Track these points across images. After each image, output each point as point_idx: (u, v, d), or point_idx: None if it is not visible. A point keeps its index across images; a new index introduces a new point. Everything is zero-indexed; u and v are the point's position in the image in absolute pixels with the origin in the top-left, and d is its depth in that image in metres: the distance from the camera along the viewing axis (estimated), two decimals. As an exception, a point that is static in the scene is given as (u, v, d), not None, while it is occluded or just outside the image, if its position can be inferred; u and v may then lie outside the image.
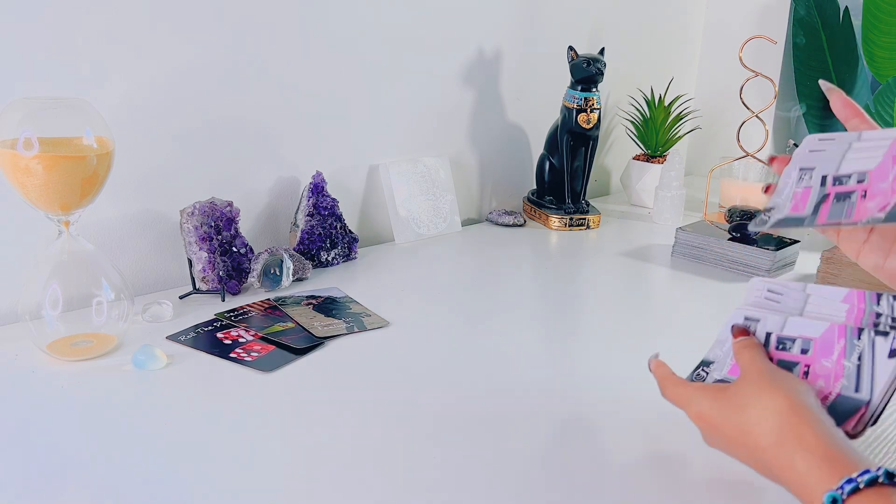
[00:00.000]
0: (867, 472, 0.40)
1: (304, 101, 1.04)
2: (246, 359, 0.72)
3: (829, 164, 0.55)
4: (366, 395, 0.66)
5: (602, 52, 1.23)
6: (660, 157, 1.44)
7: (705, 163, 1.79)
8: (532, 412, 0.64)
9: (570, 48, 1.22)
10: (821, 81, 0.62)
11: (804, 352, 0.52)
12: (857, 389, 0.49)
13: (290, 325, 0.80)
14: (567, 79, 1.23)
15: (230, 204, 0.89)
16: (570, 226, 1.25)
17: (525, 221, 1.30)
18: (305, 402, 0.65)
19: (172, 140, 0.91)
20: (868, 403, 0.49)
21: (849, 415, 0.49)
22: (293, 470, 0.54)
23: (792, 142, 1.57)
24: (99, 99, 0.78)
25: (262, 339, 0.76)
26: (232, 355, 0.72)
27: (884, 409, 0.49)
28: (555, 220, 1.25)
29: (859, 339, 0.50)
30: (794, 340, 0.53)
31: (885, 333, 0.50)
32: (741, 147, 1.27)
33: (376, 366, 0.72)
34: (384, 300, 0.89)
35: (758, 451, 0.46)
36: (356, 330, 0.79)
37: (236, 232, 0.90)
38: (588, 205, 1.30)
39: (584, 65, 1.19)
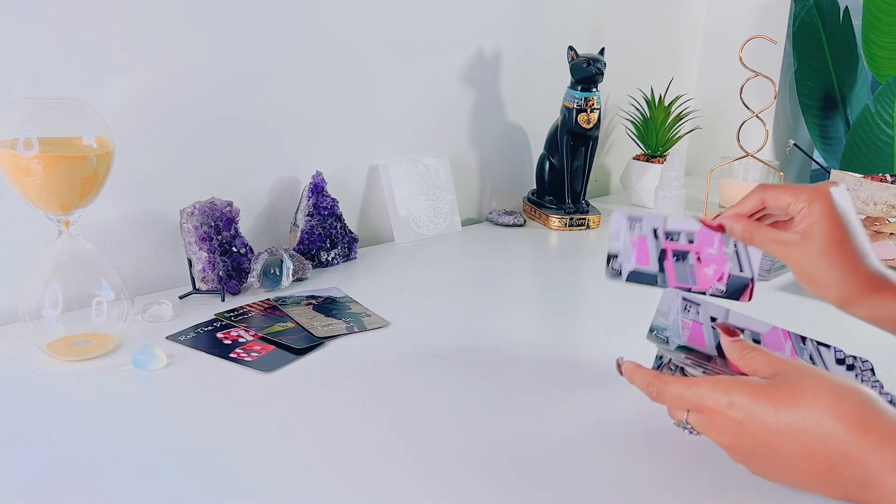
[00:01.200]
0: None
1: (304, 101, 1.04)
2: (246, 359, 0.72)
3: (654, 221, 0.61)
4: (366, 395, 0.66)
5: (602, 52, 1.23)
6: (660, 157, 1.44)
7: (705, 163, 1.79)
8: (532, 412, 0.64)
9: (570, 48, 1.22)
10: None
11: (690, 242, 0.60)
12: (741, 269, 0.59)
13: (290, 325, 0.80)
14: (567, 79, 1.23)
15: (230, 204, 0.89)
16: (570, 226, 1.25)
17: (525, 221, 1.30)
18: (305, 402, 0.65)
19: (172, 140, 0.91)
20: (752, 280, 0.59)
21: (742, 290, 0.60)
22: (293, 470, 0.54)
23: (792, 142, 1.57)
24: (99, 99, 0.78)
25: (262, 339, 0.76)
26: (232, 355, 0.72)
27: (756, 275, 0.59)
28: (555, 220, 1.25)
29: (804, 343, 0.55)
30: (679, 234, 0.60)
31: (827, 346, 0.54)
32: (741, 147, 1.27)
33: (376, 366, 0.72)
34: (384, 300, 0.89)
35: (832, 439, 0.41)
36: (356, 330, 0.79)
37: (236, 232, 0.90)
38: (588, 205, 1.30)
39: (585, 65, 1.19)
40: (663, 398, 0.49)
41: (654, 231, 0.61)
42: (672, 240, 0.61)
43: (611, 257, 0.63)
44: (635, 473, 0.55)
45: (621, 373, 0.53)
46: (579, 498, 0.52)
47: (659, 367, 0.61)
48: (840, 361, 0.53)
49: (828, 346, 0.54)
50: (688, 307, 0.59)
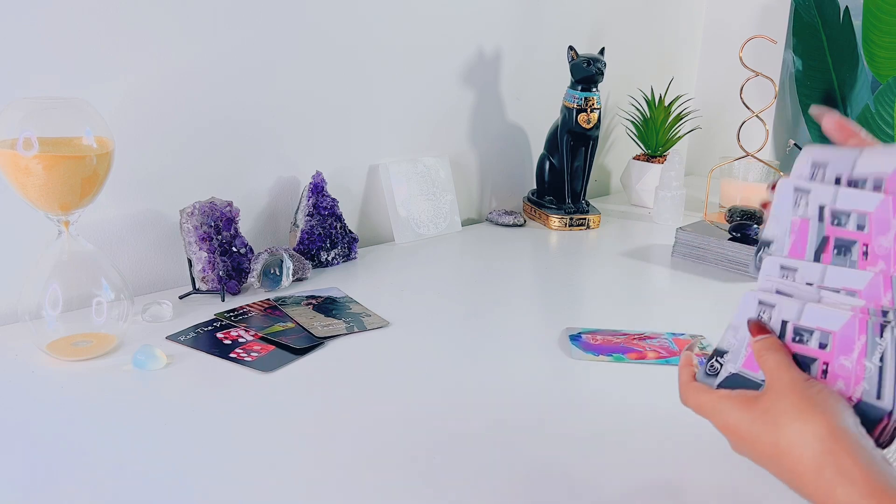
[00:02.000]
0: None
1: (304, 102, 1.04)
2: (246, 359, 0.72)
3: (823, 194, 0.49)
4: (366, 395, 0.66)
5: (602, 51, 1.23)
6: (660, 156, 1.44)
7: (705, 163, 1.79)
8: (532, 411, 0.64)
9: (571, 48, 1.22)
10: (812, 108, 0.58)
11: (822, 346, 0.47)
12: (878, 396, 0.45)
13: (290, 325, 0.80)
14: (567, 79, 1.23)
15: (230, 204, 0.89)
16: (570, 226, 1.25)
17: (525, 221, 1.30)
18: (305, 402, 0.64)
19: (172, 140, 0.91)
20: (890, 414, 0.44)
21: (871, 426, 0.45)
22: (293, 470, 0.54)
23: (792, 142, 1.57)
24: (99, 99, 0.78)
25: (262, 339, 0.76)
26: (232, 355, 0.72)
27: None
28: (555, 220, 1.25)
29: (882, 336, 0.45)
30: (811, 332, 0.48)
31: None
32: (741, 147, 1.27)
33: (376, 366, 0.72)
34: (384, 300, 0.89)
35: (794, 474, 0.43)
36: (356, 330, 0.79)
37: (236, 232, 0.90)
38: (588, 205, 1.30)
39: (585, 65, 1.19)
40: (687, 403, 0.51)
41: (783, 324, 0.49)
42: (799, 340, 0.49)
43: (715, 354, 0.52)
44: (636, 472, 0.55)
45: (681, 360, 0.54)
46: (581, 498, 0.52)
47: (711, 359, 0.53)
48: None
49: None
50: (762, 313, 0.50)
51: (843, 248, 0.47)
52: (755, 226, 1.07)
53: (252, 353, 0.73)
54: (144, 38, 0.86)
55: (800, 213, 0.49)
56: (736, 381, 0.50)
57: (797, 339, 0.48)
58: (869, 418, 0.44)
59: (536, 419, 0.63)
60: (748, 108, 1.25)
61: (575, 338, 0.79)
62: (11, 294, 0.76)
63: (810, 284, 0.48)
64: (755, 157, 1.28)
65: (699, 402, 0.50)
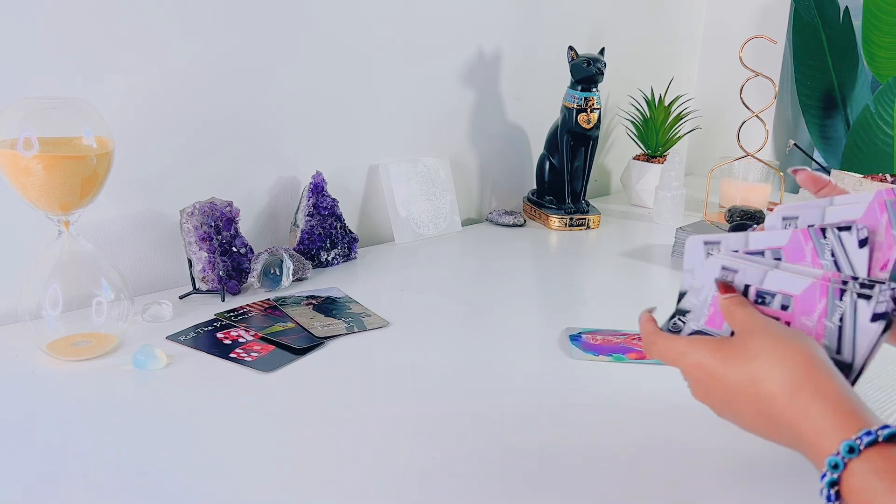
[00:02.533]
0: (887, 426, 0.39)
1: (304, 101, 1.04)
2: (246, 359, 0.72)
3: (813, 215, 0.52)
4: (366, 395, 0.66)
5: (602, 51, 1.23)
6: (660, 157, 1.44)
7: (705, 163, 1.79)
8: (532, 411, 0.64)
9: (571, 48, 1.22)
10: (790, 170, 0.60)
11: (784, 308, 0.50)
12: (838, 351, 0.48)
13: (290, 325, 0.80)
14: (567, 79, 1.23)
15: (230, 204, 0.89)
16: (570, 226, 1.25)
17: (525, 221, 1.30)
18: (305, 402, 0.64)
19: (172, 140, 0.91)
20: (850, 366, 0.48)
21: None
22: (293, 470, 0.54)
23: (792, 142, 1.57)
24: (99, 99, 0.78)
25: (262, 339, 0.76)
26: (232, 355, 0.72)
27: (862, 372, 0.48)
28: (555, 220, 1.25)
29: (841, 299, 0.49)
30: (773, 295, 0.50)
31: (868, 297, 0.48)
32: (741, 147, 1.27)
33: (376, 366, 0.72)
34: (384, 300, 0.89)
35: (768, 398, 0.44)
36: (356, 330, 0.79)
37: (236, 232, 0.90)
38: (588, 205, 1.30)
39: (585, 65, 1.19)
40: (651, 352, 0.53)
41: (745, 287, 0.52)
42: (762, 302, 0.51)
43: (677, 313, 0.55)
44: (636, 472, 0.55)
45: (640, 320, 0.56)
46: (581, 498, 0.52)
47: (672, 318, 0.56)
48: (877, 317, 0.47)
49: (868, 298, 0.47)
50: (726, 276, 0.52)
51: None
52: (755, 226, 1.07)
53: (252, 353, 0.73)
54: (144, 38, 0.86)
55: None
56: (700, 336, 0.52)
57: (759, 301, 0.51)
58: None
59: (536, 419, 0.63)
60: (748, 108, 1.25)
61: (575, 338, 0.79)
62: (11, 294, 0.76)
63: (736, 251, 0.52)
64: (755, 157, 1.28)
65: (665, 347, 0.51)
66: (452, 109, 1.25)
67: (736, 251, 0.53)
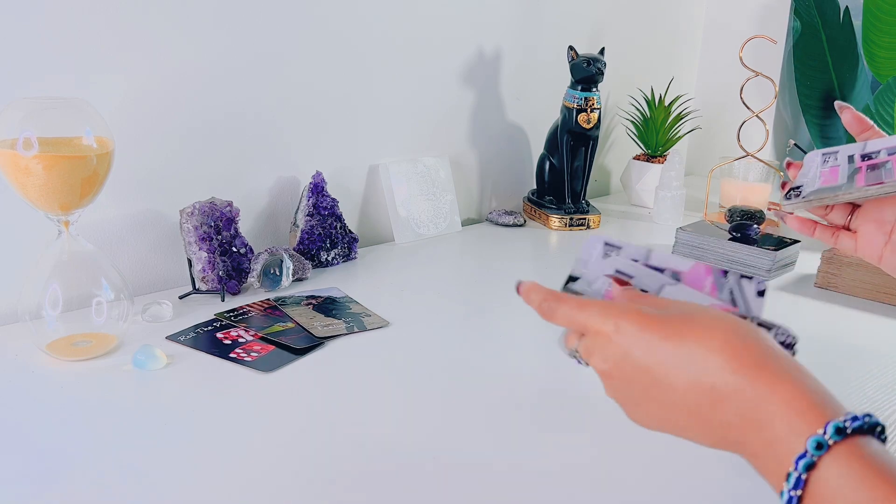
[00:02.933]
0: (855, 417, 0.34)
1: (304, 101, 1.04)
2: (246, 359, 0.72)
3: (852, 148, 0.56)
4: (366, 395, 0.66)
5: (602, 51, 1.23)
6: (660, 156, 1.44)
7: (705, 163, 1.79)
8: (532, 411, 0.64)
9: (571, 48, 1.22)
10: (836, 103, 0.63)
11: (676, 279, 0.49)
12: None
13: (290, 325, 0.80)
14: (567, 79, 1.23)
15: (230, 204, 0.89)
16: (570, 226, 1.25)
17: (525, 221, 1.30)
18: (305, 402, 0.64)
19: (172, 140, 0.91)
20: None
21: None
22: (293, 470, 0.54)
23: (792, 142, 1.56)
24: (99, 99, 0.78)
25: (262, 339, 0.76)
26: (232, 355, 0.72)
27: None
28: (555, 220, 1.25)
29: (725, 277, 0.48)
30: (662, 270, 0.49)
31: (749, 277, 0.48)
32: (741, 147, 1.27)
33: (376, 366, 0.72)
34: (384, 300, 0.89)
35: (722, 373, 0.37)
36: (356, 330, 0.79)
37: (236, 232, 0.90)
38: (588, 205, 1.30)
39: (585, 64, 1.19)
40: (554, 317, 0.46)
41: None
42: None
43: (571, 279, 0.54)
44: (636, 472, 0.55)
45: (519, 292, 0.49)
46: (581, 498, 0.52)
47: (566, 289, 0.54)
48: (761, 293, 0.47)
49: (749, 278, 0.47)
50: (608, 253, 0.52)
51: None
52: (755, 226, 1.07)
53: (252, 353, 0.73)
54: (144, 38, 0.86)
55: (829, 166, 0.58)
56: None
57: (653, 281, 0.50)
58: None
59: (536, 419, 0.63)
60: (748, 108, 1.25)
61: None
62: (11, 294, 0.76)
63: (636, 261, 0.51)
64: (755, 157, 1.28)
65: (575, 308, 0.44)
66: (452, 109, 1.25)
67: (636, 261, 0.50)
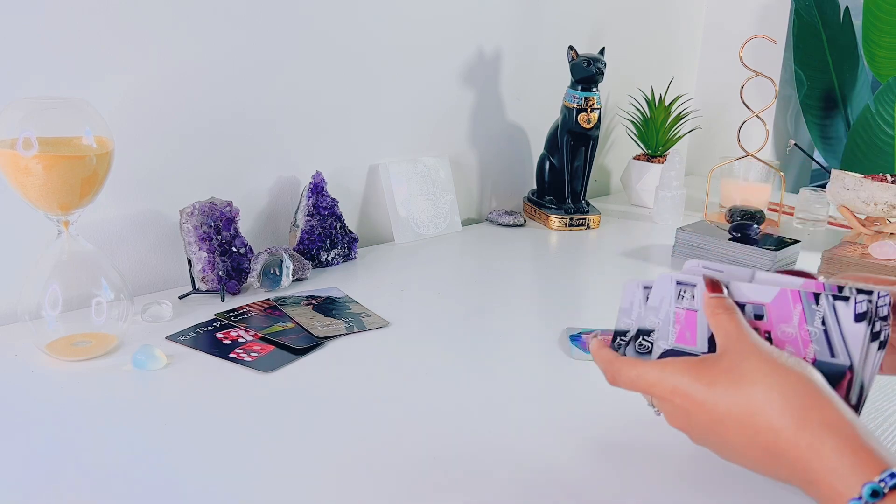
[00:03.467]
0: None
1: (304, 101, 1.04)
2: (246, 359, 0.72)
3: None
4: (366, 395, 0.66)
5: (602, 51, 1.23)
6: (660, 156, 1.44)
7: (706, 163, 1.79)
8: (532, 411, 0.64)
9: (571, 48, 1.22)
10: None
11: (759, 317, 0.46)
12: (832, 354, 0.44)
13: (290, 325, 0.80)
14: (567, 78, 1.23)
15: (230, 204, 0.89)
16: (570, 226, 1.25)
17: (525, 221, 1.30)
18: (305, 402, 0.64)
19: (172, 140, 0.91)
20: (851, 368, 0.44)
21: (834, 383, 0.43)
22: (293, 470, 0.54)
23: (793, 142, 1.57)
24: (99, 99, 0.78)
25: (262, 339, 0.76)
26: (232, 355, 0.72)
27: (870, 382, 0.44)
28: (555, 220, 1.25)
29: (817, 303, 0.45)
30: (743, 306, 0.46)
31: (846, 298, 0.44)
32: (741, 147, 1.27)
33: (376, 366, 0.72)
34: (384, 300, 0.89)
35: (769, 431, 0.39)
36: (356, 330, 0.79)
37: (236, 232, 0.90)
38: (588, 205, 1.30)
39: (585, 64, 1.19)
40: (618, 383, 0.48)
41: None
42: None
43: (640, 334, 0.51)
44: (637, 472, 0.55)
45: (589, 349, 0.52)
46: (581, 498, 0.52)
47: (618, 344, 0.53)
48: (860, 317, 0.43)
49: (846, 299, 0.44)
50: (682, 292, 0.49)
51: None
52: (755, 226, 1.07)
53: (252, 353, 0.73)
54: (144, 38, 0.86)
55: (685, 305, 0.49)
56: (673, 356, 0.48)
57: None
58: (830, 375, 0.43)
59: (536, 419, 0.63)
60: (748, 108, 1.25)
61: (575, 338, 0.79)
62: (11, 294, 0.76)
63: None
64: (755, 157, 1.28)
65: (636, 374, 0.46)
66: (452, 109, 1.25)
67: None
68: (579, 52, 1.23)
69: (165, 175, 0.91)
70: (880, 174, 1.17)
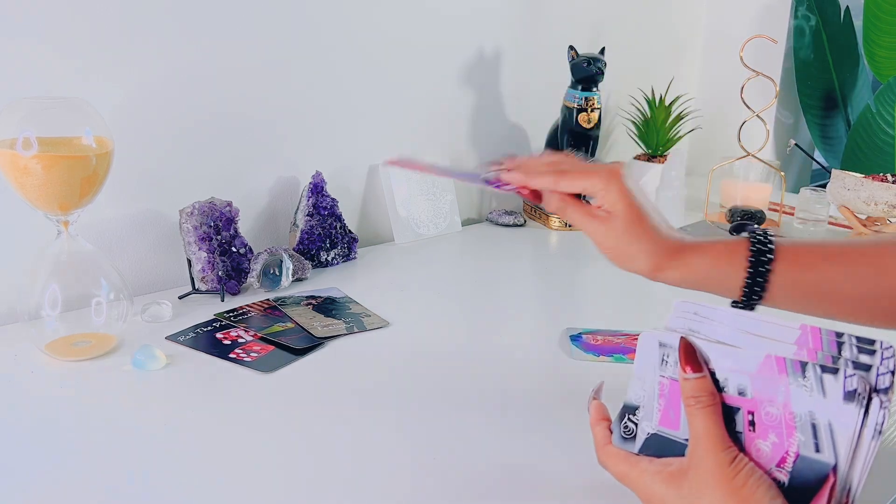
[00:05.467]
0: None
1: (304, 101, 1.04)
2: (245, 359, 0.72)
3: (698, 346, 0.43)
4: (366, 395, 0.66)
5: (602, 51, 1.22)
6: (660, 156, 1.44)
7: (706, 162, 1.78)
8: (532, 411, 0.64)
9: (571, 48, 1.21)
10: None
11: (741, 393, 0.41)
12: (817, 448, 0.39)
13: (290, 325, 0.80)
14: (567, 78, 1.23)
15: (230, 204, 0.89)
16: (570, 226, 1.25)
17: (525, 221, 1.30)
18: (305, 402, 0.64)
19: (172, 140, 0.91)
20: (835, 469, 0.38)
21: (817, 486, 0.38)
22: (293, 470, 0.54)
23: (793, 142, 1.56)
24: (99, 99, 0.78)
25: (262, 339, 0.76)
26: (231, 355, 0.72)
27: (860, 483, 0.38)
28: (555, 220, 1.25)
29: (804, 376, 0.39)
30: (726, 378, 0.42)
31: (835, 370, 0.38)
32: (742, 147, 1.27)
33: (376, 366, 0.72)
34: (384, 300, 0.89)
35: None
36: (356, 330, 0.79)
37: (236, 232, 0.90)
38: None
39: (585, 64, 1.19)
40: (606, 469, 0.49)
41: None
42: (720, 390, 0.42)
43: (626, 410, 0.47)
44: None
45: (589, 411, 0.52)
46: (580, 498, 0.52)
47: (623, 417, 0.49)
48: (850, 396, 0.38)
49: (835, 372, 0.38)
50: (666, 357, 0.44)
51: (727, 416, 0.42)
52: (756, 226, 1.07)
53: (252, 354, 0.73)
54: (145, 38, 0.86)
55: (669, 374, 0.44)
56: (657, 444, 0.45)
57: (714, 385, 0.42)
58: (812, 478, 0.39)
59: (536, 419, 0.63)
60: (748, 107, 1.25)
61: (575, 338, 0.79)
62: (11, 294, 0.76)
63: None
64: (756, 157, 1.27)
65: (620, 471, 0.47)
66: (452, 109, 1.24)
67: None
68: (579, 51, 1.23)
69: (165, 175, 0.91)
70: (881, 174, 1.17)
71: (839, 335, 0.40)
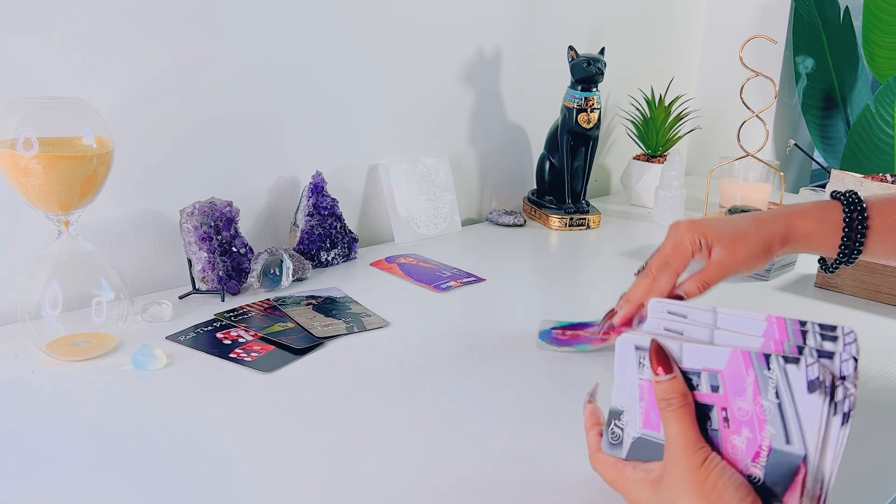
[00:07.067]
0: None
1: (304, 101, 1.04)
2: (246, 359, 0.72)
3: (670, 347, 0.43)
4: (366, 395, 0.66)
5: (602, 51, 1.23)
6: (660, 156, 1.44)
7: (706, 163, 1.79)
8: (532, 411, 0.64)
9: (571, 48, 1.21)
10: None
11: (714, 389, 0.41)
12: (787, 440, 0.39)
13: (290, 325, 0.80)
14: (567, 78, 1.23)
15: (230, 204, 0.89)
16: (570, 226, 1.25)
17: (525, 221, 1.30)
18: (305, 402, 0.64)
19: (172, 140, 0.91)
20: (805, 460, 0.38)
21: (789, 479, 0.39)
22: (293, 470, 0.54)
23: (793, 142, 1.57)
24: (99, 99, 0.78)
25: (262, 339, 0.76)
26: (232, 355, 0.72)
27: (832, 472, 0.38)
28: (555, 220, 1.25)
29: (769, 368, 0.40)
30: (699, 375, 0.42)
31: (796, 360, 0.39)
32: (741, 147, 1.27)
33: (376, 366, 0.72)
34: (384, 300, 0.89)
35: None
36: (356, 330, 0.79)
37: (236, 232, 0.90)
38: (588, 205, 1.30)
39: (585, 64, 1.19)
40: (598, 473, 0.49)
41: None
42: (690, 386, 0.43)
43: (612, 416, 0.47)
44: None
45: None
46: (582, 496, 0.52)
47: (610, 423, 0.49)
48: (812, 385, 0.38)
49: (796, 361, 0.39)
50: (642, 359, 0.44)
51: (702, 415, 0.42)
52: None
53: (252, 354, 0.73)
54: (145, 38, 0.86)
55: (646, 375, 0.44)
56: (643, 448, 0.46)
57: (689, 385, 0.43)
58: (786, 470, 0.39)
59: (537, 419, 0.63)
60: (748, 108, 1.25)
61: (545, 333, 0.80)
62: (11, 294, 0.76)
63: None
64: (755, 157, 1.28)
65: (610, 478, 0.48)
66: (452, 109, 1.25)
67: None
68: (579, 52, 1.23)
69: (165, 175, 0.91)
70: (880, 174, 1.17)
71: (802, 324, 0.41)
